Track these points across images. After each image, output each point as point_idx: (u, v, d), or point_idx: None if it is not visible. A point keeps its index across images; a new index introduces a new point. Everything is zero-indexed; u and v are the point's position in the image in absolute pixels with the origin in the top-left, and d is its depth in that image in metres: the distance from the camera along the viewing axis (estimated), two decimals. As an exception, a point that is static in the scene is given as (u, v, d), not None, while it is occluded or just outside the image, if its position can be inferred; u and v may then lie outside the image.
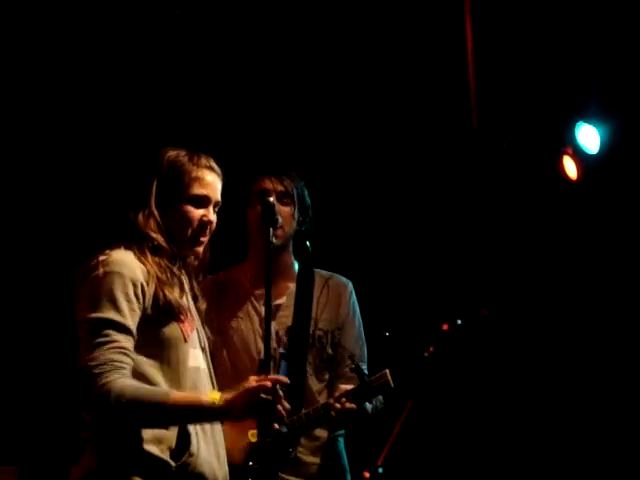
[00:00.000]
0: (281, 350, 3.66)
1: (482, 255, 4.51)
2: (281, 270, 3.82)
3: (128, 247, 2.92)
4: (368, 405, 3.58)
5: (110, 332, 2.77)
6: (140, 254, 2.91)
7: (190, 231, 2.99)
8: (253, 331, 3.80)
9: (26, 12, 4.46)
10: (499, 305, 4.21)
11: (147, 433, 2.81)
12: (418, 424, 3.38)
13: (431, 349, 2.68)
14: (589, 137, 4.71)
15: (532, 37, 4.60)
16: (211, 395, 2.82)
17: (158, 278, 2.89)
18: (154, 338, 2.88)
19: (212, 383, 3.04)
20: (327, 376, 3.81)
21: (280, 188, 3.79)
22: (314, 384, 3.78)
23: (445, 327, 2.72)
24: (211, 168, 3.03)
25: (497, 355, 4.46)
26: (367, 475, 2.56)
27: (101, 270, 2.83)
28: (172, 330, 2.90)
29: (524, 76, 4.67)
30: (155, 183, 2.98)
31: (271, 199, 3.37)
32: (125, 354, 2.77)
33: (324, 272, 3.91)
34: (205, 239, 3.04)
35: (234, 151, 4.60)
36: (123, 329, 2.79)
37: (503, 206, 4.60)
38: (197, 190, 2.98)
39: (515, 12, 4.55)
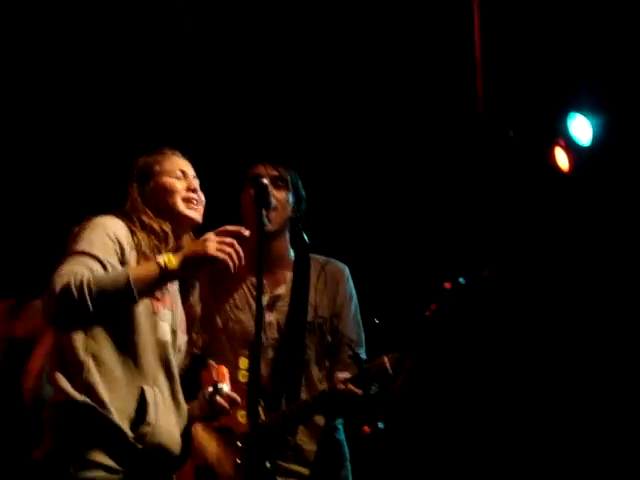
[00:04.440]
0: None
1: (485, 217, 4.50)
2: (277, 258, 3.76)
3: (119, 216, 2.98)
4: (372, 390, 3.52)
5: (80, 256, 2.81)
6: (130, 224, 2.97)
7: (177, 198, 3.05)
8: (253, 321, 3.76)
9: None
10: (499, 267, 4.20)
11: (111, 404, 2.79)
12: (418, 382, 3.34)
13: (433, 307, 2.66)
14: (581, 129, 4.72)
15: (527, 30, 4.62)
16: (165, 256, 2.81)
17: (142, 251, 2.92)
18: None
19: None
20: (327, 363, 3.76)
21: (274, 173, 3.77)
22: (316, 372, 3.73)
23: (448, 285, 2.71)
24: (176, 153, 3.17)
25: (496, 316, 4.43)
26: (367, 430, 2.53)
27: (85, 224, 2.91)
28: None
29: (520, 67, 4.69)
30: (133, 184, 3.10)
31: (264, 180, 3.34)
32: (89, 269, 2.78)
33: (320, 257, 3.84)
34: (197, 206, 3.06)
35: (229, 141, 4.61)
36: (93, 257, 2.81)
37: (503, 178, 4.61)
38: (169, 166, 3.11)
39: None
